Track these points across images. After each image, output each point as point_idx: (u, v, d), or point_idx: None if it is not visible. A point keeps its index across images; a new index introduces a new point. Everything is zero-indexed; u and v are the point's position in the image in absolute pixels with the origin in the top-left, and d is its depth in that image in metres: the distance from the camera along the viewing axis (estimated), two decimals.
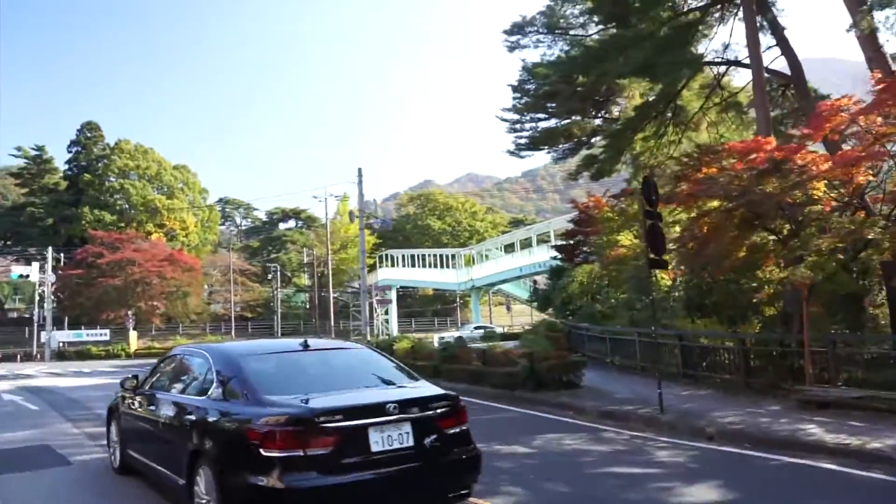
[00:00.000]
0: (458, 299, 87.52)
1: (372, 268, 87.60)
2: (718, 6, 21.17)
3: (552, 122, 37.55)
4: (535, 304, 36.99)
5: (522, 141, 38.04)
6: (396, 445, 5.29)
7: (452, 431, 5.71)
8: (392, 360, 7.00)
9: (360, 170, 31.53)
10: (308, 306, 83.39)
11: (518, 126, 37.60)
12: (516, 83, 35.15)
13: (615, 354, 18.94)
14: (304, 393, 5.43)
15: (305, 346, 6.56)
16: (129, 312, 52.90)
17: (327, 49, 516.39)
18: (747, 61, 21.05)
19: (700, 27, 20.95)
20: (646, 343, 17.44)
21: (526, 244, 54.90)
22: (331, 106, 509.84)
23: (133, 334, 52.94)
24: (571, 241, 31.54)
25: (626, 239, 23.94)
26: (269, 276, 74.33)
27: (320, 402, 5.28)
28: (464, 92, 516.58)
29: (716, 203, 12.44)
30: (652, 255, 12.21)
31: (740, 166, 13.08)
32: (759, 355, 13.90)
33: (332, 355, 6.96)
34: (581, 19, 33.96)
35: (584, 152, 39.14)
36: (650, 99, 24.14)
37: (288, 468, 4.90)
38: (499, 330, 47.17)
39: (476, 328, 46.90)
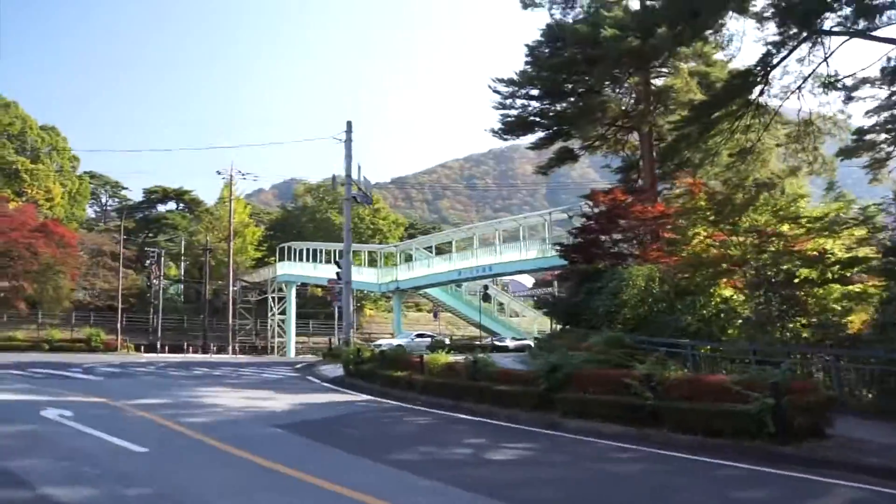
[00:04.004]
0: (356, 301, 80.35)
1: (260, 262, 79.42)
2: None
3: (543, 103, 32.79)
4: (543, 311, 31.63)
5: (510, 119, 32.82)
6: None
7: None
8: None
9: (349, 123, 24.85)
10: (183, 299, 74.09)
11: (509, 102, 32.37)
12: (534, 43, 29.94)
13: None
14: None
15: None
16: None
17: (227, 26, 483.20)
18: None
19: None
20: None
21: (462, 246, 49.64)
22: (217, 86, 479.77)
23: None
24: (584, 239, 26.49)
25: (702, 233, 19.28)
26: (148, 263, 64.79)
27: None
28: (336, 92, 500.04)
29: None
30: None
31: None
32: None
33: None
34: None
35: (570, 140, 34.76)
36: (748, 66, 19.42)
37: None
38: (446, 340, 41.14)
39: (418, 335, 40.81)
